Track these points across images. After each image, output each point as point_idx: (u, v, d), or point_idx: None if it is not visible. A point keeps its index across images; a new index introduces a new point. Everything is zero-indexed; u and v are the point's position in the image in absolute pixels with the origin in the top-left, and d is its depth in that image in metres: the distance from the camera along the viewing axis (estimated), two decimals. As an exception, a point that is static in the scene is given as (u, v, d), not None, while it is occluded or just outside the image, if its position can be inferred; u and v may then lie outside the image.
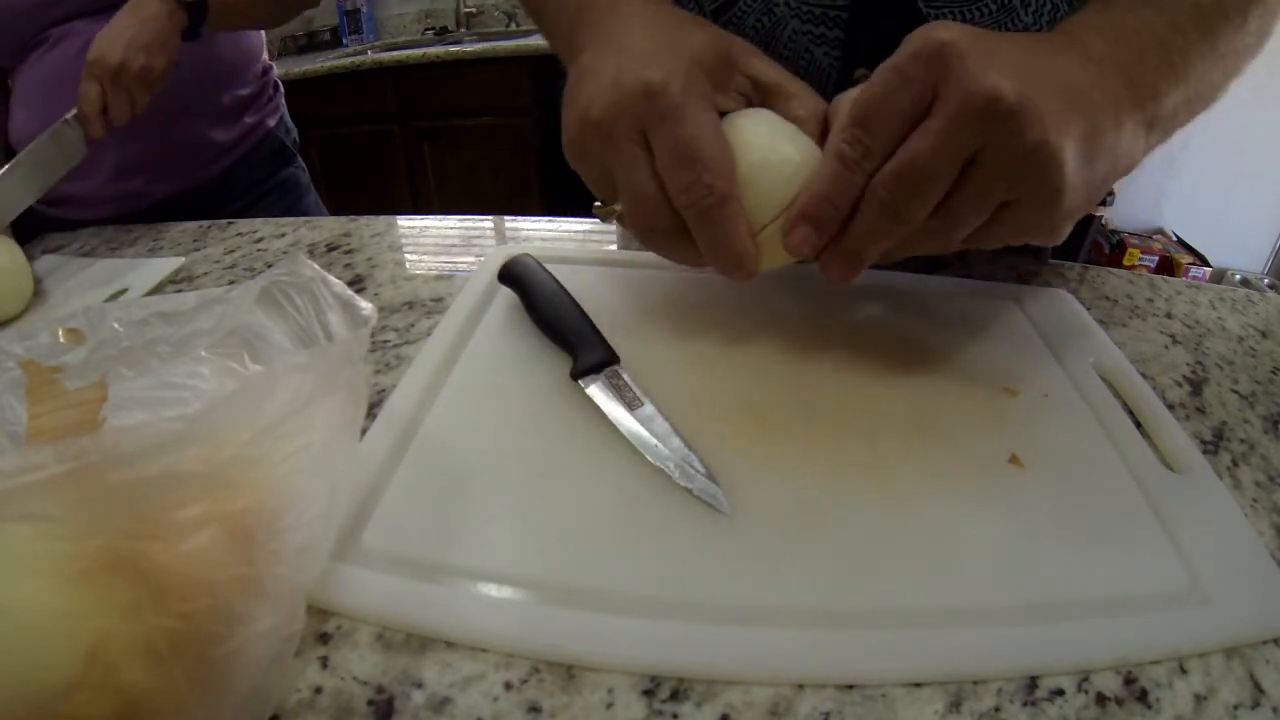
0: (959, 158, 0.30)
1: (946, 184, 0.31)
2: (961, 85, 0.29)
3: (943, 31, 0.30)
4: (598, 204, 0.38)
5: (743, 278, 0.36)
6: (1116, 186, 1.88)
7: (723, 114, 0.36)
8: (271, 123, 0.93)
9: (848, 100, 0.34)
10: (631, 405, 0.37)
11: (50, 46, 0.74)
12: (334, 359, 0.26)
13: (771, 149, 0.35)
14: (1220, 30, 0.35)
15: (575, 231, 0.63)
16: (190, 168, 0.84)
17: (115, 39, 0.64)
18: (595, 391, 0.38)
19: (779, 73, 0.38)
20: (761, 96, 0.38)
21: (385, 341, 0.47)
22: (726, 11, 0.46)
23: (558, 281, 0.44)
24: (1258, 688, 0.26)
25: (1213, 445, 0.38)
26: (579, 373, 0.39)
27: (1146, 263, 2.10)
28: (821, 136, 0.36)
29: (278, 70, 0.98)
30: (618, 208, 0.37)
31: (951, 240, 0.34)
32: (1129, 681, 0.27)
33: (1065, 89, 0.30)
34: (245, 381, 0.32)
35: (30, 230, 0.73)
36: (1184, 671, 0.27)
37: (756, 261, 0.35)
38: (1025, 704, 0.26)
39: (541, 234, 0.63)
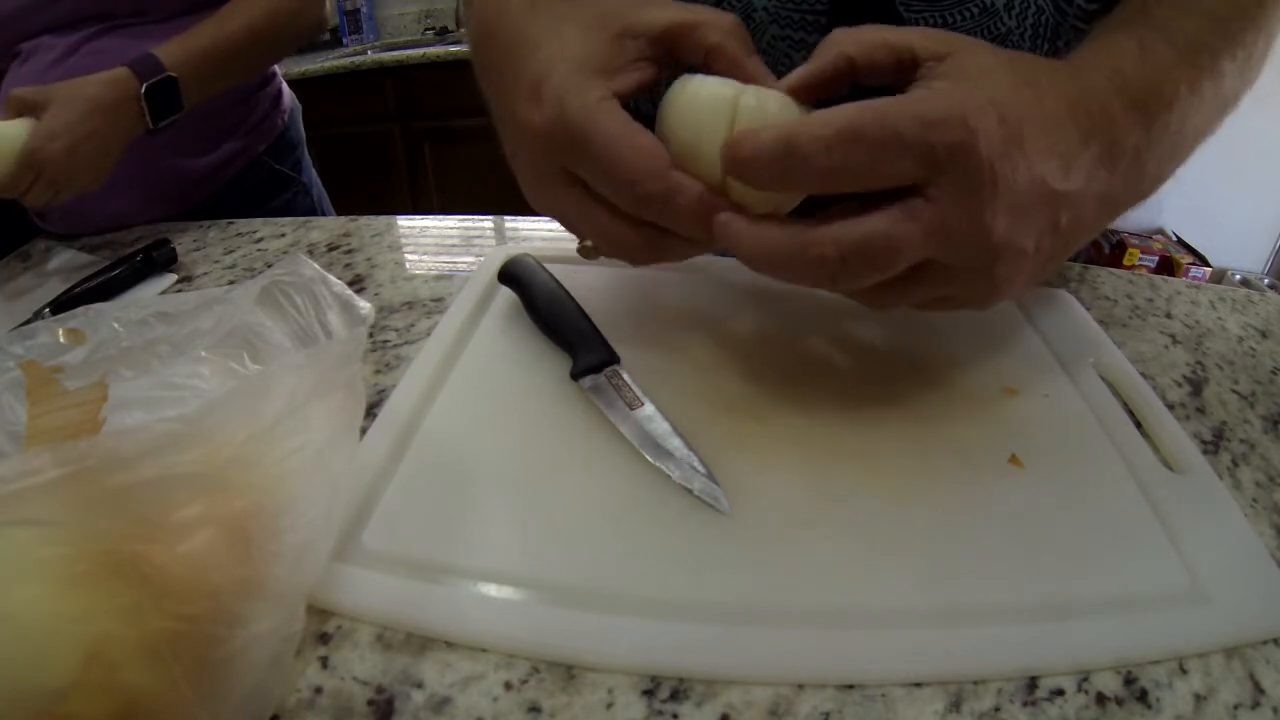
0: (925, 257, 0.29)
1: (899, 269, 0.29)
2: (975, 225, 0.28)
3: (980, 120, 0.27)
4: (579, 246, 0.38)
5: (732, 237, 0.32)
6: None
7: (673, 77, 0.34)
8: (262, 146, 0.84)
9: (845, 42, 0.32)
10: (631, 405, 0.37)
11: (24, 60, 0.72)
12: (331, 359, 0.26)
13: (706, 110, 0.32)
14: (1223, 66, 0.33)
15: (575, 231, 0.63)
16: (156, 201, 0.75)
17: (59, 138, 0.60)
18: (595, 391, 0.38)
19: (673, 12, 0.34)
20: (669, 46, 0.35)
21: (385, 341, 0.47)
22: None
23: (558, 281, 0.44)
24: (1258, 688, 0.26)
25: (1213, 445, 0.38)
26: (579, 373, 0.39)
27: (1146, 263, 2.10)
28: (736, 59, 0.33)
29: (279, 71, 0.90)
30: (589, 243, 0.37)
31: (864, 297, 0.32)
32: (1129, 681, 0.27)
33: (1069, 199, 0.29)
34: (241, 382, 0.32)
35: (25, 235, 0.72)
36: (1184, 671, 0.27)
37: (733, 214, 0.31)
38: (1025, 704, 0.26)
39: (541, 234, 0.63)
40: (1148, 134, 0.31)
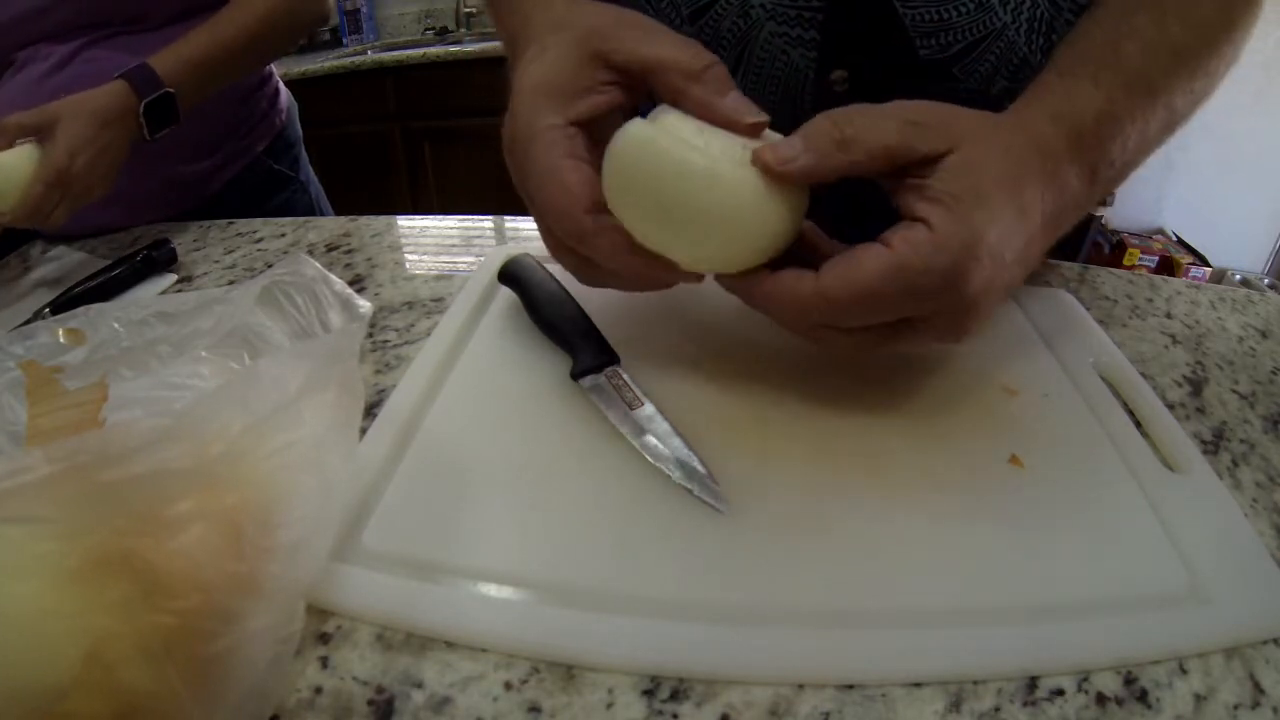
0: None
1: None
2: (955, 332, 0.32)
3: (977, 266, 0.29)
4: None
5: (660, 283, 0.36)
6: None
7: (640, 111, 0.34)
8: (260, 146, 0.84)
9: (833, 127, 0.31)
10: (631, 405, 0.37)
11: (18, 69, 0.72)
12: (323, 353, 0.26)
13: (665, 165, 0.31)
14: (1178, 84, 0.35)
15: (575, 231, 0.63)
16: (156, 204, 0.74)
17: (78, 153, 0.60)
18: (595, 391, 0.38)
19: (649, 48, 0.33)
20: (643, 77, 0.34)
21: (385, 341, 0.47)
22: (704, 15, 0.46)
23: (558, 281, 0.44)
24: (1258, 688, 0.26)
25: (1213, 445, 0.38)
26: (579, 373, 0.39)
27: (1146, 263, 2.09)
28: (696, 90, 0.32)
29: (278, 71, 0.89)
30: None
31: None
32: (1129, 681, 0.27)
33: (1026, 260, 0.32)
34: (231, 376, 0.32)
35: (25, 235, 0.72)
36: (1184, 671, 0.27)
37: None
38: (1025, 704, 0.26)
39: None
40: (1091, 189, 0.33)
